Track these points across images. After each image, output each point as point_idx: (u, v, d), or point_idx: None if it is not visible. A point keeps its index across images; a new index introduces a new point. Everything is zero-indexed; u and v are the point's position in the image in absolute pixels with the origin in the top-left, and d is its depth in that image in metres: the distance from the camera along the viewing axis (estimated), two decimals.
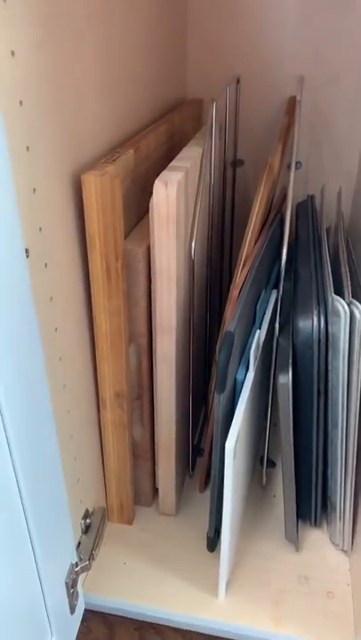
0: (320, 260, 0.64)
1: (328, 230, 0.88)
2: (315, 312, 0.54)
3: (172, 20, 0.77)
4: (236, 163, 0.92)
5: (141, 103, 0.67)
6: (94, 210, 0.49)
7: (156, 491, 0.73)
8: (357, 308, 0.50)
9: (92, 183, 0.48)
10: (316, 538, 0.69)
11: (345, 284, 0.54)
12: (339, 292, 0.55)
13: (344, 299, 0.52)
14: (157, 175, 0.52)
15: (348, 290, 0.53)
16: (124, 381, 0.59)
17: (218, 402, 0.53)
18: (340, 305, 0.51)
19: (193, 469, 0.78)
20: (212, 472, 0.58)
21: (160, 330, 0.58)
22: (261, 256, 0.64)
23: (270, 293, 0.71)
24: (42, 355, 0.44)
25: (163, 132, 0.67)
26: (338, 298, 0.51)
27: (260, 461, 0.77)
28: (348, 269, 0.58)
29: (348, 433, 0.58)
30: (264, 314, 0.67)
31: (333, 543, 0.67)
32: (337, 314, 0.51)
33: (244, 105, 0.89)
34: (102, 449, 0.65)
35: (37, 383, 0.43)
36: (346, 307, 0.50)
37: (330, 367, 0.55)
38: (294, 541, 0.67)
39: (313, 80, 0.86)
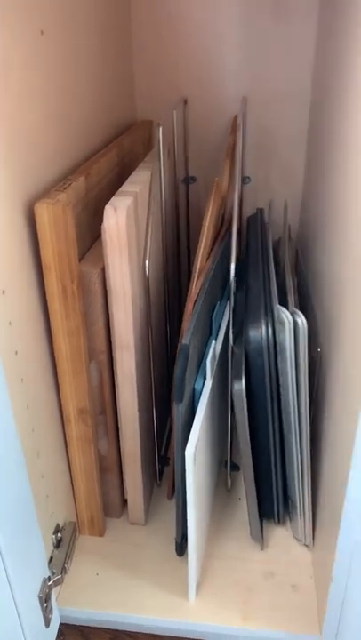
0: (268, 272, 0.68)
1: (279, 241, 0.92)
2: (263, 322, 0.58)
3: (116, 46, 0.80)
4: (188, 180, 0.96)
5: (91, 128, 0.70)
6: (48, 237, 0.51)
7: (125, 501, 0.75)
8: (300, 317, 0.54)
9: (44, 211, 0.50)
10: (280, 535, 0.72)
11: (289, 294, 0.58)
12: (285, 301, 0.59)
13: (288, 309, 0.55)
14: (109, 199, 0.55)
15: (291, 300, 0.57)
16: (86, 397, 0.61)
17: (177, 412, 0.56)
18: (285, 315, 0.54)
19: (161, 478, 0.81)
20: (176, 479, 0.60)
21: (119, 346, 0.61)
22: (214, 269, 0.68)
23: (225, 305, 0.74)
24: (3, 378, 0.46)
25: (113, 156, 0.70)
26: (282, 308, 0.55)
27: (225, 466, 0.80)
28: (292, 279, 0.61)
29: (301, 433, 0.61)
30: (220, 325, 0.70)
31: (296, 539, 0.71)
32: (282, 323, 0.55)
33: (192, 124, 0.93)
34: (69, 464, 0.67)
35: None
36: (290, 316, 0.54)
37: (280, 372, 0.59)
38: (259, 540, 0.70)
39: (256, 100, 0.90)
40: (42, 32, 0.53)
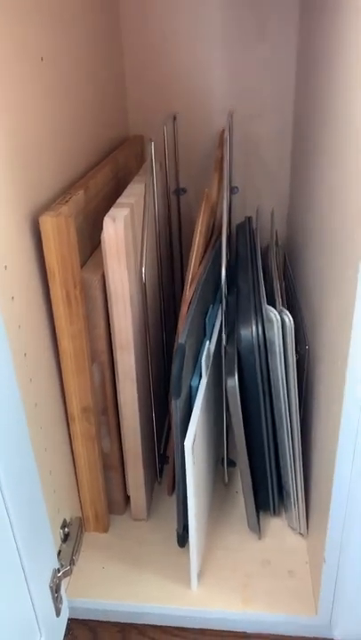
0: (257, 275, 0.72)
1: (268, 247, 0.97)
2: (253, 321, 0.62)
3: (109, 68, 0.85)
4: (179, 191, 1.01)
5: (88, 145, 0.75)
6: (52, 246, 0.55)
7: (127, 499, 0.79)
8: (287, 315, 0.58)
9: (48, 223, 0.55)
10: (276, 525, 0.75)
11: (276, 295, 0.62)
12: (273, 302, 0.63)
13: (276, 308, 0.60)
14: (106, 211, 0.59)
15: (278, 299, 0.61)
16: (89, 397, 0.65)
17: (175, 407, 0.60)
18: (273, 314, 0.59)
19: (161, 476, 0.84)
20: (176, 471, 0.64)
21: (119, 347, 0.64)
22: (206, 275, 0.72)
23: (218, 308, 0.78)
24: (15, 378, 0.49)
25: (108, 171, 0.74)
26: (270, 307, 0.59)
27: (222, 463, 0.84)
28: (278, 282, 0.66)
29: (291, 425, 0.65)
30: (213, 326, 0.74)
31: (291, 528, 0.74)
32: (271, 321, 0.59)
33: (182, 138, 0.98)
34: (74, 462, 0.70)
35: (13, 404, 0.49)
36: (277, 315, 0.59)
37: (271, 368, 0.63)
38: (256, 531, 0.73)
39: (242, 114, 0.95)
40: (42, 58, 0.58)
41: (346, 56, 0.52)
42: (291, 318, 0.58)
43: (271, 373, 0.63)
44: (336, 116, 0.56)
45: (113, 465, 0.74)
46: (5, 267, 0.50)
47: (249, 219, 0.95)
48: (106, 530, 0.76)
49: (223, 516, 0.78)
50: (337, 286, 0.54)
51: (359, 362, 0.48)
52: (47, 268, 0.57)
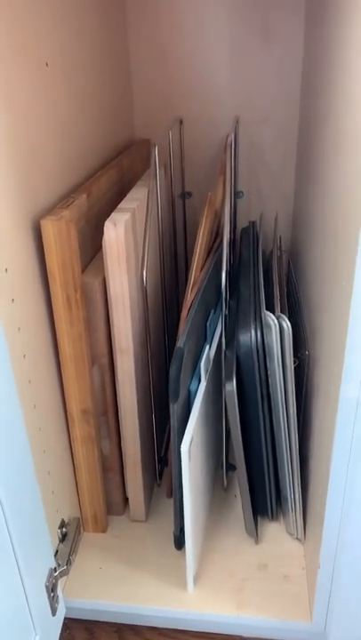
0: (258, 280, 0.72)
1: (272, 252, 0.97)
2: (252, 326, 0.62)
3: (115, 72, 0.86)
4: (185, 195, 1.01)
5: (93, 149, 0.75)
6: (53, 250, 0.56)
7: (126, 500, 0.79)
8: (285, 320, 0.59)
9: (49, 227, 0.55)
10: (273, 530, 0.76)
11: (276, 300, 0.63)
12: (272, 307, 0.64)
13: (274, 313, 0.60)
14: (109, 215, 0.60)
15: (277, 305, 0.62)
16: (89, 399, 0.65)
17: (173, 411, 0.60)
18: (271, 319, 0.59)
19: (160, 478, 0.84)
20: (174, 474, 0.64)
21: (119, 351, 0.65)
22: (208, 279, 0.72)
23: (220, 312, 0.79)
24: (12, 379, 0.50)
25: (113, 175, 0.75)
26: (269, 313, 0.60)
27: (221, 466, 0.84)
28: (279, 287, 0.66)
29: (289, 429, 0.65)
30: (214, 331, 0.75)
31: (289, 533, 0.74)
32: (269, 326, 0.59)
33: (188, 143, 0.99)
34: (74, 463, 0.71)
35: (10, 406, 0.50)
36: (275, 320, 0.59)
37: (269, 373, 0.63)
38: (253, 535, 0.73)
39: (248, 119, 0.96)
40: (47, 64, 0.59)
41: (350, 59, 0.52)
42: (288, 324, 0.59)
43: (270, 379, 0.63)
44: (340, 121, 0.56)
45: (112, 466, 0.74)
46: (6, 269, 0.51)
47: (253, 223, 0.95)
48: (104, 530, 0.77)
49: (221, 519, 0.78)
50: (334, 293, 0.54)
51: (355, 368, 0.48)
52: (48, 271, 0.58)
